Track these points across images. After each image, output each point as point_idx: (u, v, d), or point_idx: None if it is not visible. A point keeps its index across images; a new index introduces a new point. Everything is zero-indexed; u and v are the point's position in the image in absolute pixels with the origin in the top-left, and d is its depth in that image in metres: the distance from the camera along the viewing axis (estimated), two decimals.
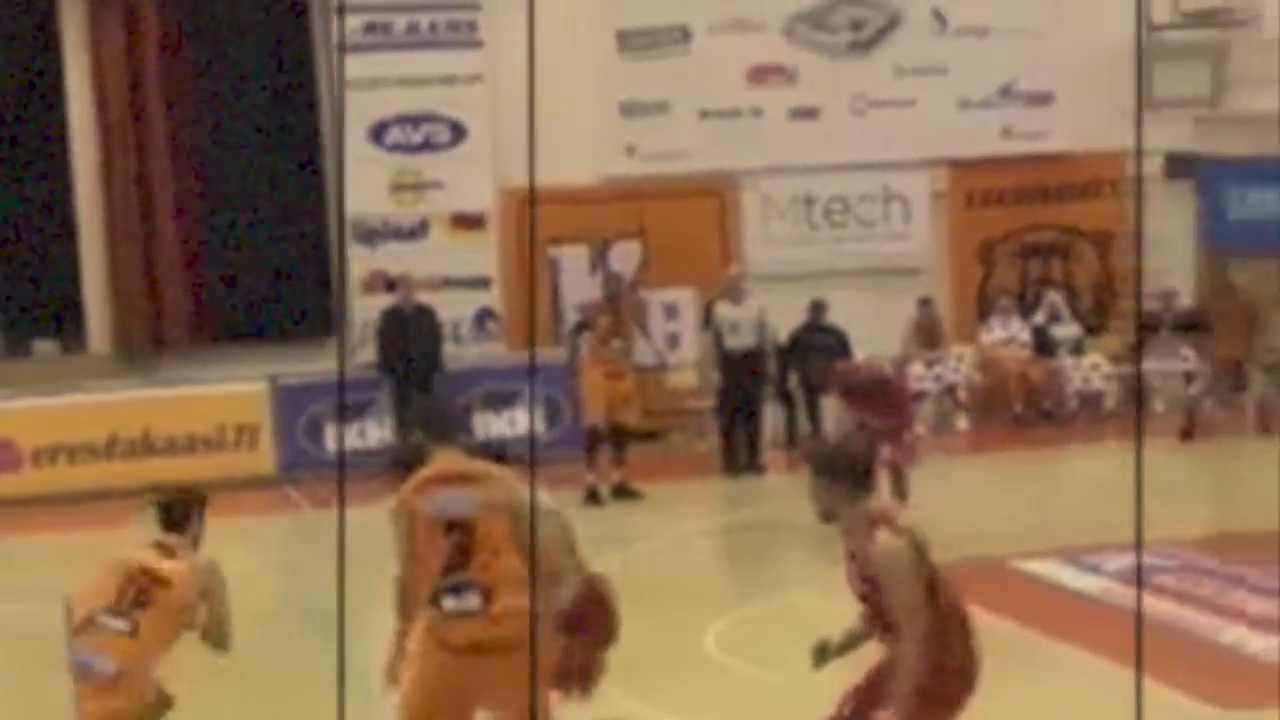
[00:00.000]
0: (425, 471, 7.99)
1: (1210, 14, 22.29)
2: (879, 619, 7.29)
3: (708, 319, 19.20)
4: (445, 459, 8.01)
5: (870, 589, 7.26)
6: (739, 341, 18.73)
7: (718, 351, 18.74)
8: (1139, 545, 5.66)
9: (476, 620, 7.72)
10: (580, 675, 7.98)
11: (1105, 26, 21.99)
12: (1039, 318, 22.08)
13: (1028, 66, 22.15)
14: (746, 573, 14.95)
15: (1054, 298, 22.22)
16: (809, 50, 22.09)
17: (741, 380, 18.73)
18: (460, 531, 7.79)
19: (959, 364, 21.49)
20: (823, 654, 7.72)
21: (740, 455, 18.79)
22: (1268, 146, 22.33)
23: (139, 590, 8.41)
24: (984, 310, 22.20)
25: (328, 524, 15.45)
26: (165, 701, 8.52)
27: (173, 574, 8.51)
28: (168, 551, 8.63)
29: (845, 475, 7.32)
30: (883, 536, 7.16)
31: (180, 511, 8.83)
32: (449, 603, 7.75)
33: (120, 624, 8.35)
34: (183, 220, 20.54)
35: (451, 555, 7.77)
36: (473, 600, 7.73)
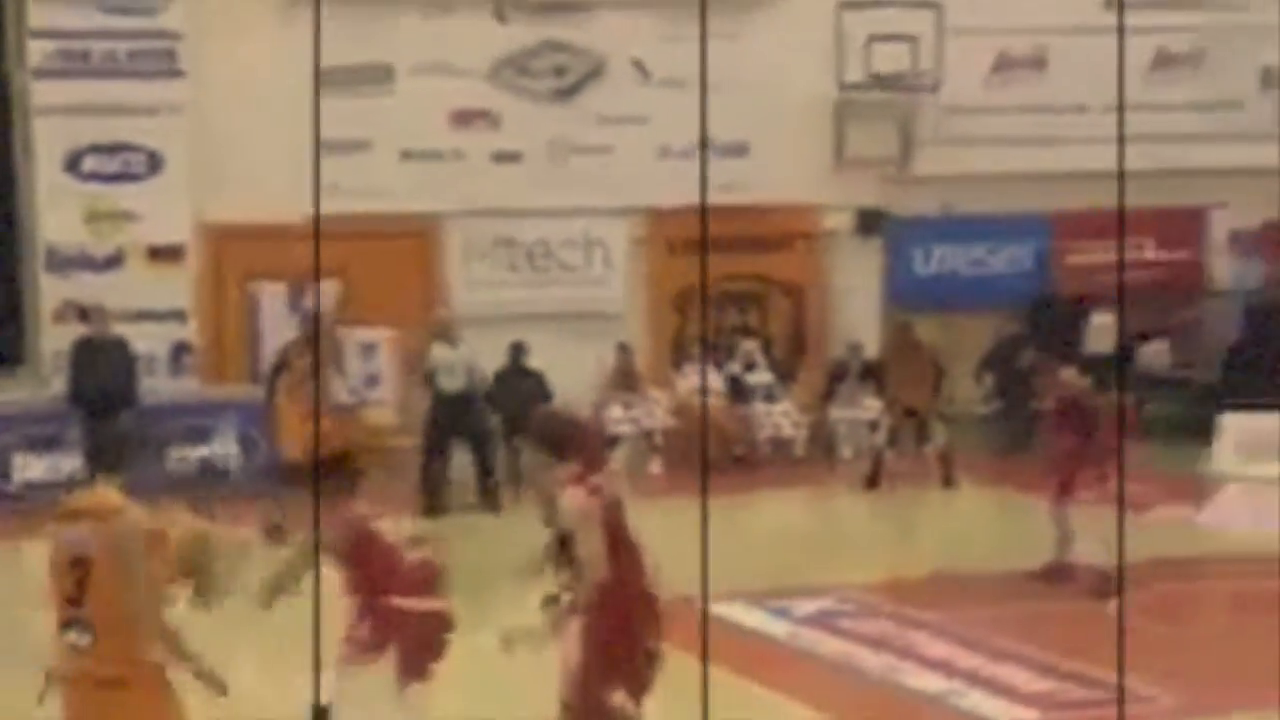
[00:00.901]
0: (67, 503, 8.10)
1: (898, 76, 23.04)
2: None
3: (421, 360, 19.25)
4: (92, 493, 8.03)
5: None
6: (452, 384, 18.86)
7: (431, 393, 18.87)
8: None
9: (88, 657, 7.83)
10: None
11: (799, 82, 22.70)
12: (734, 365, 22.52)
13: (725, 119, 22.59)
14: None
15: (748, 346, 22.70)
16: (512, 95, 22.29)
17: (452, 422, 18.83)
18: (80, 567, 7.85)
19: (655, 409, 21.81)
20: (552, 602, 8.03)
21: (443, 496, 18.86)
22: (952, 206, 23.23)
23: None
24: (680, 356, 22.59)
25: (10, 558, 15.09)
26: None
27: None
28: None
29: (545, 442, 7.61)
30: (571, 492, 7.41)
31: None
32: (69, 637, 7.89)
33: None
34: None
35: (72, 590, 7.86)
36: (85, 637, 7.84)
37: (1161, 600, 13.53)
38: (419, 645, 9.00)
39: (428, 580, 9.14)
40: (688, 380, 22.23)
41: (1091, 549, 13.72)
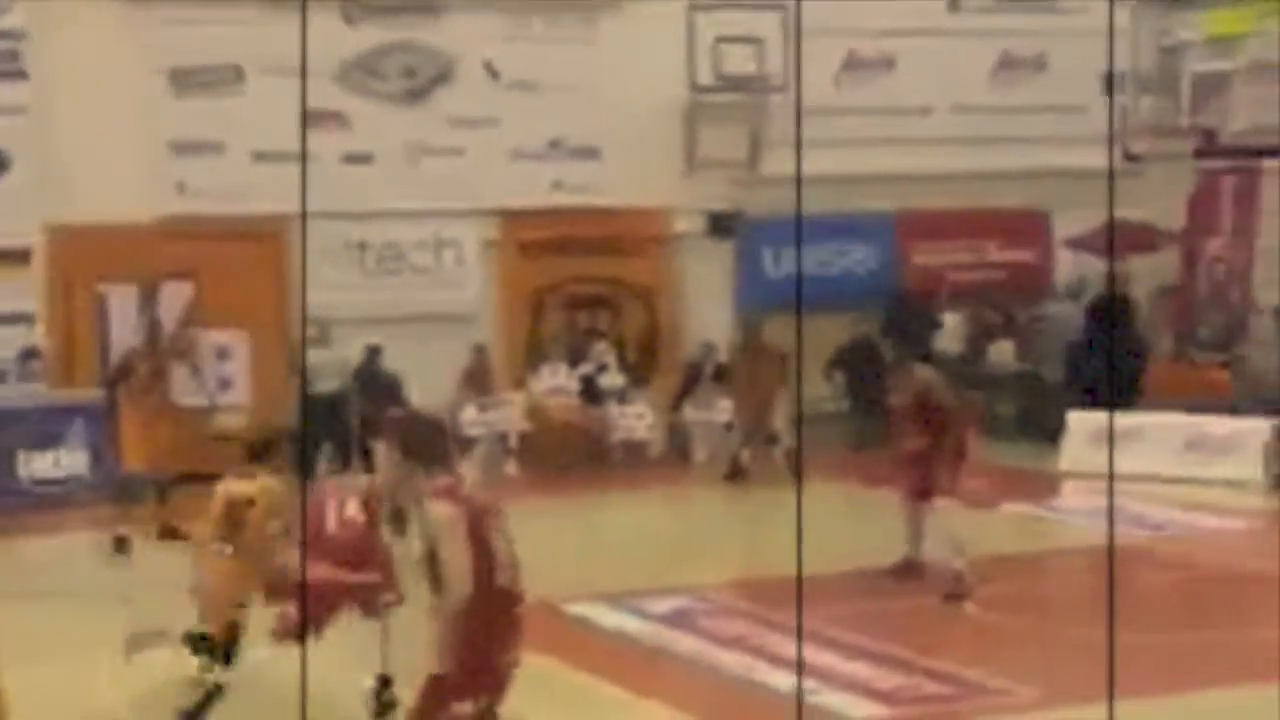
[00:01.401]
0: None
1: (748, 79, 23.22)
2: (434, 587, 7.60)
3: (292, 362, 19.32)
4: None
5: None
6: (325, 385, 18.85)
7: (301, 395, 18.84)
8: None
9: None
10: None
11: (650, 85, 22.81)
12: (587, 367, 22.58)
13: (577, 121, 22.70)
14: None
15: (601, 348, 22.77)
16: (362, 97, 22.21)
17: (325, 424, 18.82)
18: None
19: (510, 411, 21.83)
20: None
21: None
22: (803, 206, 23.42)
23: (233, 514, 10.76)
24: (535, 358, 22.62)
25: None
26: (234, 632, 10.63)
27: (253, 491, 10.81)
28: (248, 475, 10.93)
29: (411, 450, 7.61)
30: (437, 505, 7.42)
31: (260, 447, 11.16)
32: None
33: (222, 547, 10.73)
34: None
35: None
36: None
37: (1011, 595, 13.77)
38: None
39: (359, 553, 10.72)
40: (542, 382, 22.28)
41: (943, 549, 13.89)
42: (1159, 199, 23.52)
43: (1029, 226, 24.85)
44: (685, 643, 13.02)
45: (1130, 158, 23.25)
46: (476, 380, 21.74)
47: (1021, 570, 15.44)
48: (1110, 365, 22.43)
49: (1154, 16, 22.70)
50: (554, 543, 18.15)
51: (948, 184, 23.71)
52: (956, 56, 24.15)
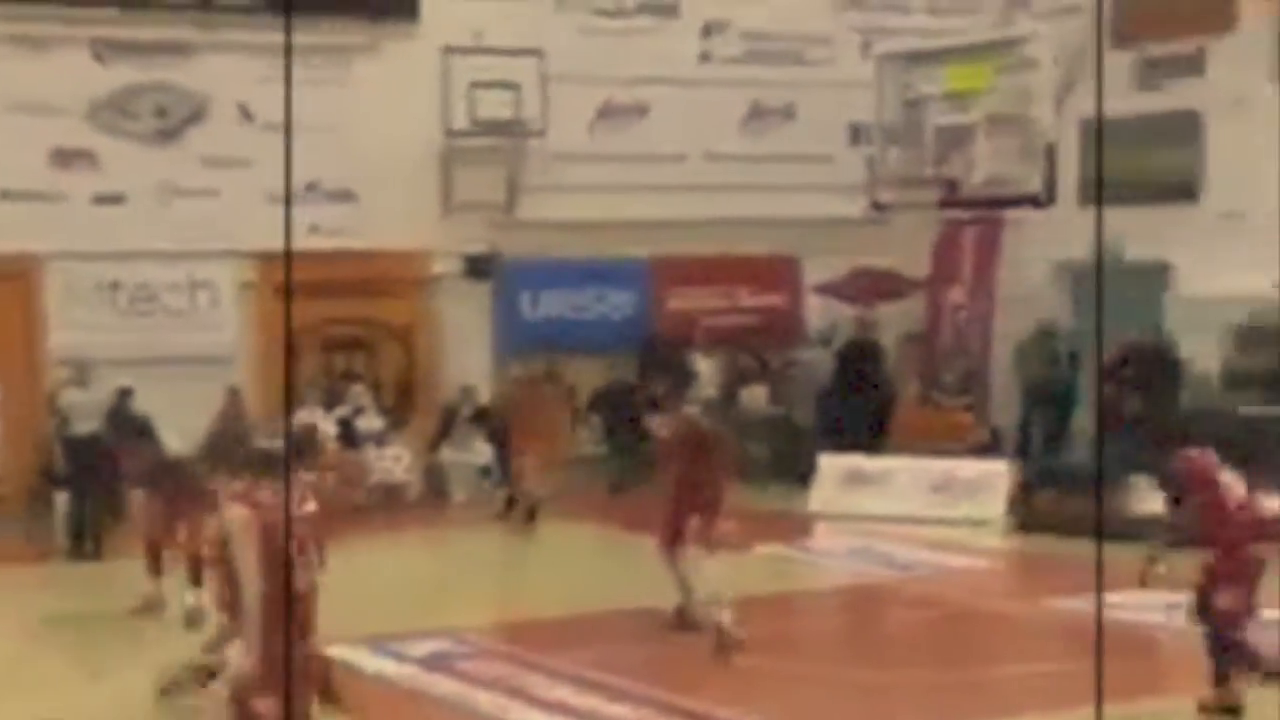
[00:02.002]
0: None
1: (504, 123, 23.38)
2: (226, 591, 7.75)
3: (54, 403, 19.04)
4: None
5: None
6: (85, 427, 18.53)
7: (61, 437, 18.55)
8: None
9: None
10: None
11: (406, 128, 22.84)
12: (344, 410, 22.45)
13: (333, 164, 22.61)
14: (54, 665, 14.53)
15: (358, 390, 22.66)
16: (113, 136, 21.90)
17: (88, 466, 18.56)
18: None
19: None
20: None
21: (86, 542, 18.65)
22: (558, 250, 23.64)
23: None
24: (293, 400, 22.40)
25: None
26: None
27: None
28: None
29: (221, 459, 7.89)
30: (232, 507, 7.61)
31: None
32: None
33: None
34: None
35: None
36: None
37: (766, 636, 13.97)
38: None
39: None
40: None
41: (709, 602, 13.91)
42: (905, 247, 24.20)
43: (780, 273, 25.35)
44: (444, 685, 13.04)
45: (877, 207, 23.88)
46: (232, 423, 21.45)
47: (776, 611, 15.69)
48: (860, 409, 22.95)
49: (897, 70, 23.33)
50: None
51: (702, 230, 24.10)
52: (708, 105, 24.59)
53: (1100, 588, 6.76)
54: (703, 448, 14.36)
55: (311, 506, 8.63)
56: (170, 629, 13.72)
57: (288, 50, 9.04)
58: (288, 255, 10.55)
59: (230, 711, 7.77)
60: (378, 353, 23.27)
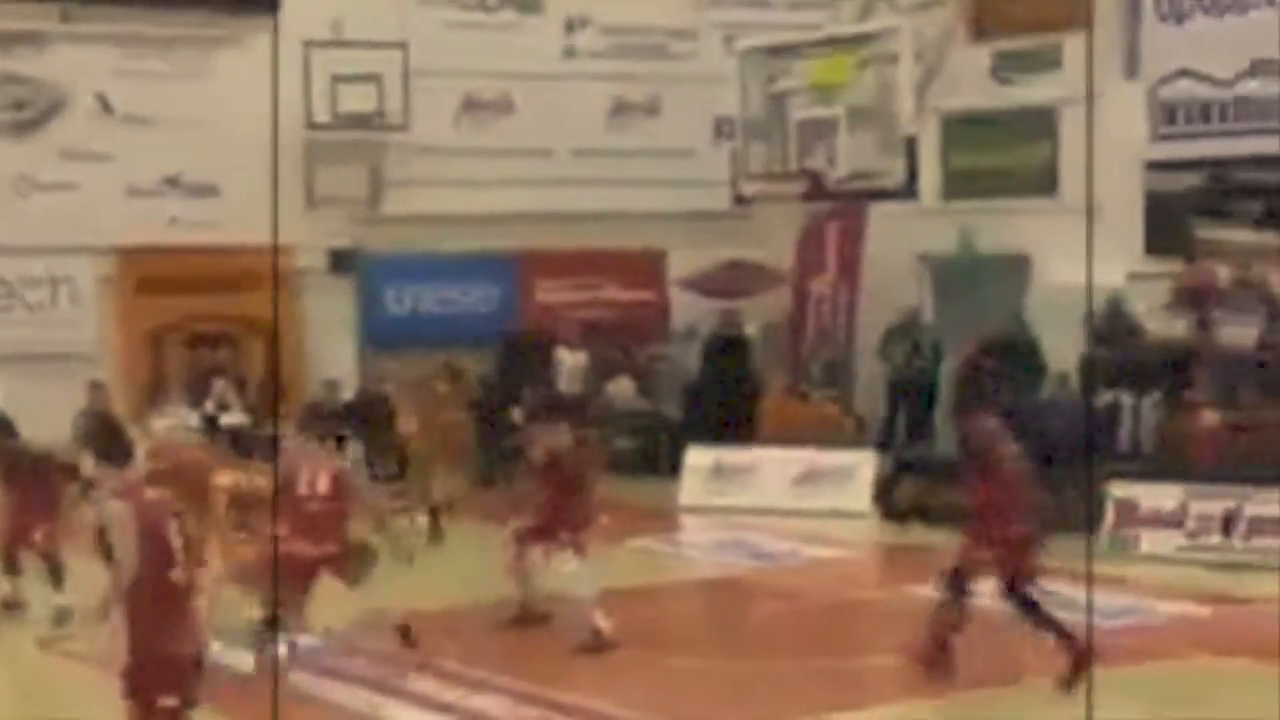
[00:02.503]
0: None
1: (365, 117, 23.24)
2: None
3: None
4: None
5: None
6: None
7: None
8: None
9: None
10: None
11: (268, 121, 22.59)
12: (208, 406, 22.22)
13: (194, 158, 22.40)
14: None
15: (222, 386, 22.44)
16: None
17: None
18: None
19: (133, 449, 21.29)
20: None
21: None
22: (423, 245, 23.57)
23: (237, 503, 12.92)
24: (156, 396, 22.16)
25: None
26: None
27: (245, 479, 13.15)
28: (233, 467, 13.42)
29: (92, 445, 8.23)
30: (112, 500, 7.85)
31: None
32: None
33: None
34: None
35: None
36: None
37: (635, 628, 14.02)
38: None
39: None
40: (165, 420, 21.81)
41: (582, 597, 13.90)
42: (770, 241, 24.36)
43: (646, 267, 25.44)
44: (310, 682, 12.96)
45: (741, 200, 24.01)
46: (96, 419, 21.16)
47: (643, 603, 15.73)
48: (726, 402, 23.05)
49: (760, 64, 23.45)
50: None
51: (568, 224, 24.13)
52: (572, 100, 24.62)
53: (1090, 584, 6.86)
54: (575, 470, 14.32)
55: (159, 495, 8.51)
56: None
57: None
58: (275, 250, 10.53)
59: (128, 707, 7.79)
60: (241, 347, 23.07)
